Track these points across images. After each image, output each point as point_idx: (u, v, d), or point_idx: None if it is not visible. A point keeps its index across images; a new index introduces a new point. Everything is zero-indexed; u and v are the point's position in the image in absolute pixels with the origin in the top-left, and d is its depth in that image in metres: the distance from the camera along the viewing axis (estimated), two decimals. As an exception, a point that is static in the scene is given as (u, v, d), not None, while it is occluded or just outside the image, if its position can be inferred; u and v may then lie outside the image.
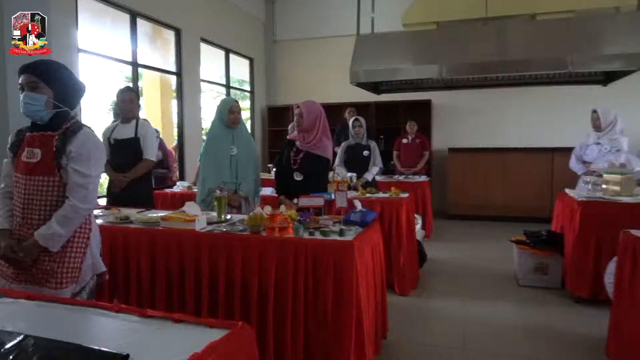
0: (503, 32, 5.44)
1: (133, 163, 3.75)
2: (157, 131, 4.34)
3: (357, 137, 4.99)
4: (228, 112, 3.38)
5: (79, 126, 1.84)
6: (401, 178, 6.10)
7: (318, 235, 2.29)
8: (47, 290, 1.74)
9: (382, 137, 7.81)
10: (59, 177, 1.77)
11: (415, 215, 4.89)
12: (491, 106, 7.60)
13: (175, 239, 2.46)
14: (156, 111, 7.44)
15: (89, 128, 1.88)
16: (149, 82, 8.05)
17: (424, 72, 5.45)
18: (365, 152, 4.91)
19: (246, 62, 8.06)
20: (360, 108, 7.10)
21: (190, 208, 2.53)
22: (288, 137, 3.33)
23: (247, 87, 8.19)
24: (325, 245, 2.21)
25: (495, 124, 7.61)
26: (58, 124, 1.81)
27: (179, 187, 4.97)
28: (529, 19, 5.46)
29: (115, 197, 3.76)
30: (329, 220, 2.34)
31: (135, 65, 5.23)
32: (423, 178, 6.19)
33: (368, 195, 4.04)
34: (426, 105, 7.65)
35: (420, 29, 5.93)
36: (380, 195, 4.07)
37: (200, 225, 2.48)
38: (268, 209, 2.45)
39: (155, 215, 2.78)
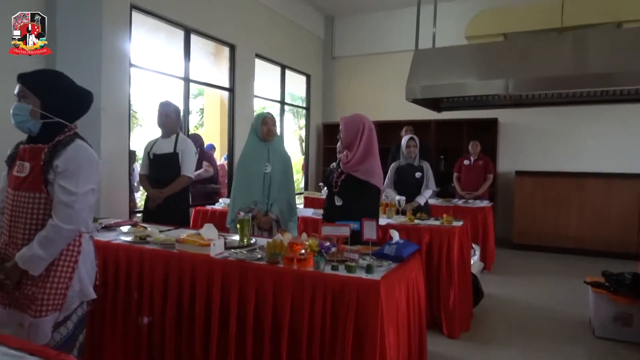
0: (582, 42, 4.85)
1: (171, 179, 3.67)
2: (210, 146, 4.23)
3: (409, 157, 4.62)
4: (261, 124, 3.19)
5: (71, 139, 1.69)
6: (460, 203, 5.60)
7: (341, 271, 1.97)
8: (27, 317, 1.58)
9: (442, 157, 7.32)
10: (46, 193, 1.63)
11: (473, 246, 4.40)
12: (566, 126, 6.87)
13: (188, 264, 2.26)
14: (216, 128, 7.52)
15: (83, 141, 1.73)
16: (210, 100, 8.20)
17: (489, 88, 4.95)
18: (418, 174, 4.52)
19: (303, 79, 7.95)
20: (419, 126, 6.69)
21: (208, 231, 2.32)
22: (338, 153, 3.04)
23: (303, 104, 8.07)
24: (347, 282, 1.89)
25: (569, 145, 6.85)
26: (51, 136, 1.67)
27: (221, 204, 4.86)
28: (614, 27, 4.83)
29: (151, 214, 3.69)
30: (356, 254, 2.02)
31: (187, 80, 5.24)
32: (485, 203, 5.65)
33: (417, 221, 3.65)
34: (492, 124, 7.07)
35: (486, 41, 5.48)
36: (431, 222, 3.66)
37: (216, 250, 2.25)
38: (288, 237, 2.18)
39: (175, 235, 2.61)
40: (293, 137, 9.12)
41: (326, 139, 8.20)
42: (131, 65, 4.50)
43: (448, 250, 3.36)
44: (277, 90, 7.28)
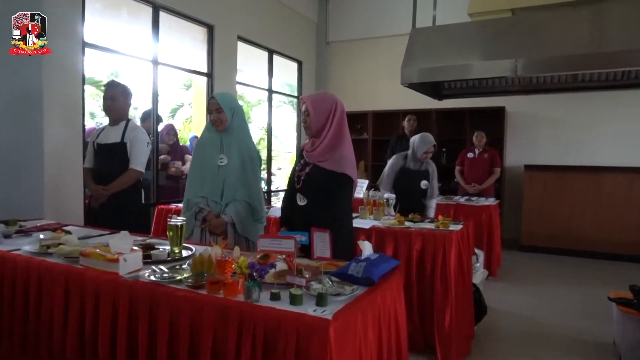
0: (600, 17, 4.22)
1: (119, 174, 3.12)
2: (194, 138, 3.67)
3: (419, 162, 3.88)
4: (208, 111, 2.63)
5: None
6: (462, 200, 5.01)
7: (284, 301, 1.41)
8: None
9: (444, 150, 6.72)
10: None
11: (476, 251, 3.82)
12: (581, 115, 6.23)
13: (91, 285, 1.71)
14: (204, 120, 6.95)
15: None
16: (199, 91, 7.63)
17: (496, 70, 4.35)
18: (424, 183, 3.84)
19: (293, 66, 7.36)
20: (418, 116, 6.10)
21: (119, 241, 1.76)
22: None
23: (294, 93, 7.48)
24: (284, 319, 1.32)
25: (585, 137, 6.22)
26: None
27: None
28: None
29: (96, 215, 3.15)
30: (303, 278, 1.45)
31: (155, 63, 4.68)
32: (490, 201, 5.06)
33: (408, 224, 3.07)
34: (499, 112, 6.44)
35: (491, 18, 4.87)
36: (425, 225, 3.08)
37: (127, 267, 1.69)
38: (217, 251, 1.62)
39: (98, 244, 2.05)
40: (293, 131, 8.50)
41: (319, 130, 7.61)
42: (85, 44, 3.95)
43: (444, 260, 2.78)
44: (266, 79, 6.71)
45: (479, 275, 3.67)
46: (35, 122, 3.50)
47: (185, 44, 5.34)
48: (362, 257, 1.69)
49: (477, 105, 6.30)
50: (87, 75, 4.06)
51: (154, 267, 1.75)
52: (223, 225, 2.56)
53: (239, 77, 5.95)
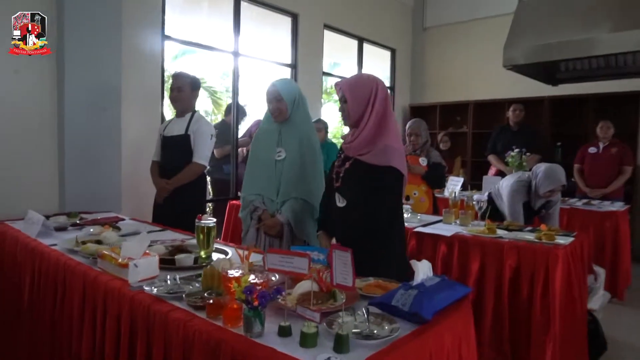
0: None
1: (183, 167, 3.01)
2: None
3: (543, 199, 3.09)
4: (267, 101, 2.34)
5: None
6: (580, 204, 4.16)
7: (290, 340, 1.05)
8: None
9: (559, 144, 5.77)
10: None
11: (595, 269, 3.07)
12: None
13: (101, 293, 1.51)
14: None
15: None
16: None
17: (627, 43, 3.48)
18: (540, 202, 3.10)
19: (386, 54, 6.89)
20: (528, 105, 5.28)
21: (133, 244, 1.54)
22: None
23: (387, 83, 7.00)
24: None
25: None
26: None
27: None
28: None
29: (160, 210, 3.07)
30: (341, 298, 1.07)
31: (236, 55, 4.57)
32: (617, 205, 4.14)
33: (500, 232, 2.50)
34: (631, 99, 5.32)
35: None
36: (523, 234, 2.48)
37: (138, 275, 1.47)
38: (225, 264, 1.30)
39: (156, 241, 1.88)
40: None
41: (414, 123, 7.04)
42: (165, 37, 3.94)
43: (545, 281, 2.18)
44: (354, 68, 6.34)
45: (597, 298, 2.93)
46: (113, 115, 3.55)
47: (267, 34, 5.19)
48: (415, 283, 1.26)
49: (603, 90, 5.27)
50: (170, 69, 4.08)
51: (169, 275, 1.50)
52: (278, 226, 2.27)
53: (335, 71, 5.68)
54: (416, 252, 2.60)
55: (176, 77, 3.12)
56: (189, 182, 3.00)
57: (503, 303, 2.29)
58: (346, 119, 1.89)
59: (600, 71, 4.49)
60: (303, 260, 1.10)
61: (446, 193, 4.82)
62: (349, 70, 6.31)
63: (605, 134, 4.66)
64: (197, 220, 1.74)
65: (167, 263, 1.67)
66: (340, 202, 1.89)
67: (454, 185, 4.81)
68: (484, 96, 6.32)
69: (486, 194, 3.51)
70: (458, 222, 2.82)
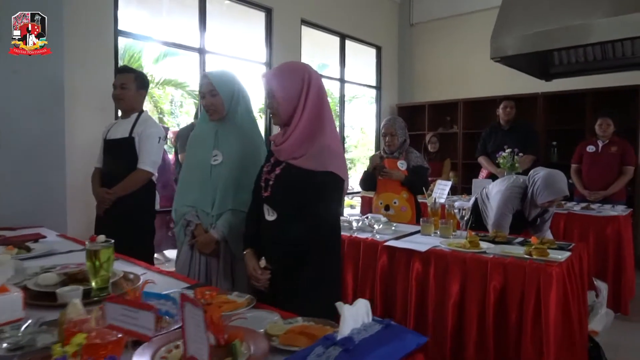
0: None
1: (126, 175, 2.64)
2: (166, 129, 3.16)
3: (539, 209, 2.73)
4: (200, 95, 1.98)
5: None
6: (577, 209, 3.79)
7: None
8: None
9: (554, 143, 5.41)
10: None
11: (596, 283, 2.69)
12: None
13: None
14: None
15: None
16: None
17: (627, 29, 3.13)
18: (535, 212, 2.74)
19: (371, 52, 6.54)
20: (522, 103, 4.95)
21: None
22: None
23: (372, 82, 6.64)
24: None
25: None
26: None
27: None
28: None
29: (102, 222, 2.70)
30: (243, 355, 0.70)
31: (202, 52, 4.21)
32: (619, 209, 3.77)
33: (484, 246, 2.12)
34: (631, 94, 4.96)
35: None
36: (510, 249, 2.10)
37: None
38: (75, 309, 0.93)
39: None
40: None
41: (402, 124, 6.67)
42: (120, 33, 3.59)
43: (537, 305, 1.80)
44: (336, 66, 5.99)
45: (600, 319, 2.56)
46: (56, 117, 3.17)
47: (239, 30, 4.84)
48: (339, 335, 0.88)
49: (601, 84, 4.92)
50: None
51: (32, 320, 1.12)
52: (212, 243, 1.90)
53: (324, 72, 5.33)
54: (387, 271, 2.23)
55: (119, 72, 2.76)
56: (134, 191, 2.64)
57: (487, 331, 1.92)
58: (275, 117, 1.56)
59: (597, 63, 4.13)
60: (148, 316, 0.73)
61: (442, 199, 4.46)
62: (338, 71, 5.95)
63: (605, 131, 4.30)
64: (87, 242, 1.37)
65: (46, 299, 1.30)
66: (270, 215, 1.56)
67: (441, 190, 4.44)
68: (475, 94, 5.97)
69: (472, 199, 3.15)
70: (438, 232, 2.45)
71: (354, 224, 2.48)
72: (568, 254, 1.97)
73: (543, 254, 1.89)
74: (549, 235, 2.73)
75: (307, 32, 5.35)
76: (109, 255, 1.37)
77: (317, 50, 5.88)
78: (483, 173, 4.81)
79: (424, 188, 3.06)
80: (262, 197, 1.63)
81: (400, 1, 6.79)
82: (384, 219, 2.66)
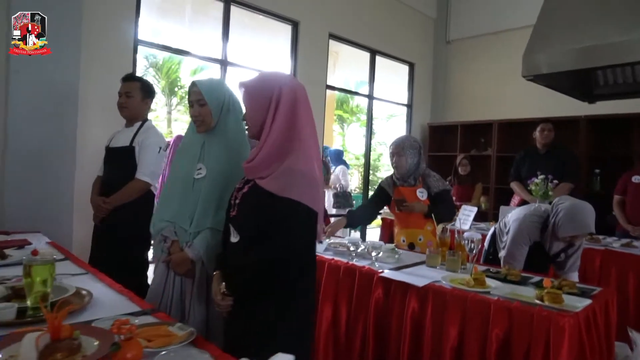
0: None
1: (125, 183, 2.58)
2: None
3: (560, 242, 2.40)
4: (188, 104, 1.87)
5: None
6: (616, 246, 3.40)
7: None
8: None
9: (597, 171, 4.98)
10: None
11: (631, 335, 2.34)
12: None
13: None
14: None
15: None
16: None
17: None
18: (561, 256, 2.46)
19: (403, 69, 6.34)
20: (562, 126, 4.60)
21: None
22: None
23: (404, 100, 6.42)
24: None
25: None
26: None
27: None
28: None
29: (99, 234, 2.65)
30: None
31: (224, 63, 4.17)
32: (667, 248, 3.35)
33: (491, 283, 1.87)
34: (688, 121, 4.51)
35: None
36: (521, 291, 1.83)
37: None
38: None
39: None
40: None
41: (434, 144, 6.41)
42: (139, 42, 3.59)
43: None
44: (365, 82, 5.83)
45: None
46: (68, 122, 3.18)
47: (263, 42, 4.79)
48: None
49: (651, 108, 4.50)
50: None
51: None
52: (187, 263, 1.76)
53: (361, 90, 5.20)
54: (382, 305, 2.01)
55: (125, 80, 2.72)
56: (132, 201, 2.56)
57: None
58: (248, 131, 1.42)
59: (646, 85, 3.77)
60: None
61: (458, 225, 4.17)
62: (385, 91, 5.80)
63: (653, 160, 3.89)
64: (24, 258, 1.26)
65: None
66: (234, 236, 1.41)
67: (466, 216, 4.16)
68: (511, 115, 5.63)
69: (492, 228, 2.86)
70: (445, 265, 2.21)
71: (352, 250, 2.28)
72: (588, 301, 1.68)
73: (557, 301, 1.62)
74: (574, 276, 2.41)
75: (342, 48, 5.24)
76: (48, 273, 1.25)
77: (353, 65, 5.75)
78: (515, 200, 4.47)
79: (453, 212, 2.79)
80: (229, 216, 1.51)
81: (436, 16, 6.58)
82: (387, 245, 2.44)
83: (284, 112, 1.37)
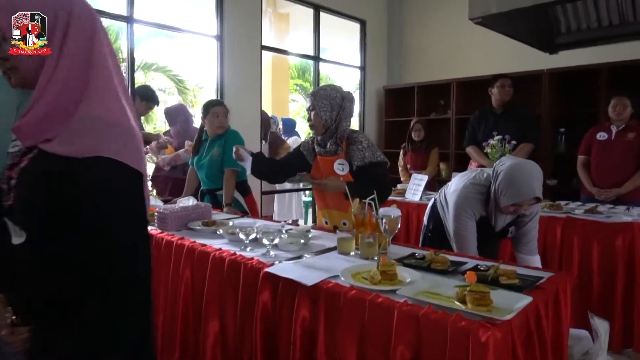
0: None
1: None
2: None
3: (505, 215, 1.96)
4: None
5: None
6: (578, 212, 2.98)
7: None
8: None
9: (562, 130, 4.57)
10: None
11: (593, 322, 1.91)
12: None
13: None
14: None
15: None
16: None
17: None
18: (511, 230, 2.01)
19: (354, 27, 5.74)
20: (522, 81, 4.14)
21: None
22: None
23: (356, 62, 5.84)
24: None
25: None
26: None
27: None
28: None
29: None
30: None
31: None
32: (635, 214, 2.92)
33: (406, 275, 1.39)
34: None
35: None
36: (442, 288, 1.36)
37: None
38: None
39: None
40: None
41: (391, 109, 5.90)
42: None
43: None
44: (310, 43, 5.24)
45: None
46: None
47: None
48: None
49: (618, 58, 4.06)
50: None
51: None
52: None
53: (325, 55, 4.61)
54: (269, 312, 1.51)
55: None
56: None
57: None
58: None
59: (613, 29, 3.31)
60: None
61: (408, 196, 3.70)
62: (337, 54, 5.22)
63: (620, 114, 3.45)
64: None
65: None
66: (17, 236, 0.90)
67: (416, 185, 3.70)
68: (474, 72, 5.13)
69: (432, 200, 2.39)
70: (358, 251, 1.72)
71: (242, 236, 1.77)
72: (528, 300, 1.20)
73: (482, 302, 1.13)
74: (535, 260, 1.96)
75: (294, 9, 4.62)
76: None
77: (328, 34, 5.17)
78: (472, 165, 4.02)
79: (384, 192, 2.04)
80: (2, 208, 0.98)
81: (389, -31, 5.97)
82: (300, 227, 1.94)
83: (73, 38, 1.01)
